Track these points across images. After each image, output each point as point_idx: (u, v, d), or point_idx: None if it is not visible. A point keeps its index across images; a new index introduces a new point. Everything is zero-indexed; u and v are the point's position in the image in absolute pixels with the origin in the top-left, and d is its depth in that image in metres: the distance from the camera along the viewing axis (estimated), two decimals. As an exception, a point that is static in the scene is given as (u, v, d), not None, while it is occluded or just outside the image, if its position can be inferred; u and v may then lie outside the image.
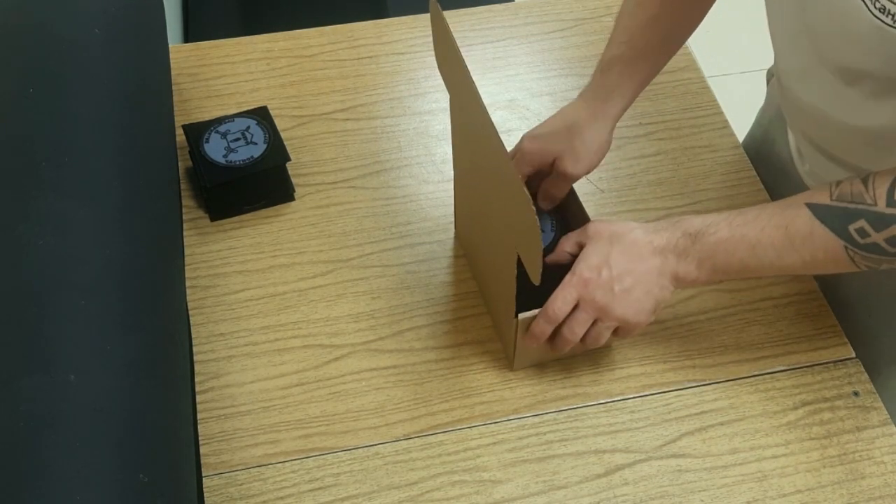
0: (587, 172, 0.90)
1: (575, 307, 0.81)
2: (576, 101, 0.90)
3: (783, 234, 0.75)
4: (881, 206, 0.70)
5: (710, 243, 0.78)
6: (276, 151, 1.01)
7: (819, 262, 0.76)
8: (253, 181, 1.00)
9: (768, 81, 1.07)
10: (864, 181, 0.71)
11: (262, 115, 1.04)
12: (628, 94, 0.88)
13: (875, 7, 0.64)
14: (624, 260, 0.80)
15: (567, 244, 0.85)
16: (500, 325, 0.91)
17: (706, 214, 0.80)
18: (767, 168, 1.06)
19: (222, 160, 0.99)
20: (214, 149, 1.00)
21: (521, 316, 0.82)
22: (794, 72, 0.83)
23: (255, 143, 1.01)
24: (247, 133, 1.02)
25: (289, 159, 1.01)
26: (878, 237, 0.70)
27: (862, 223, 0.71)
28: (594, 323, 0.82)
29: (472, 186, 0.91)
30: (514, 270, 0.79)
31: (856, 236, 0.71)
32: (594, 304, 0.80)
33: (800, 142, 0.94)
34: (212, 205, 1.02)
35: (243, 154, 1.00)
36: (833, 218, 0.72)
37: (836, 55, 0.74)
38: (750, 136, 1.12)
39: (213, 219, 1.02)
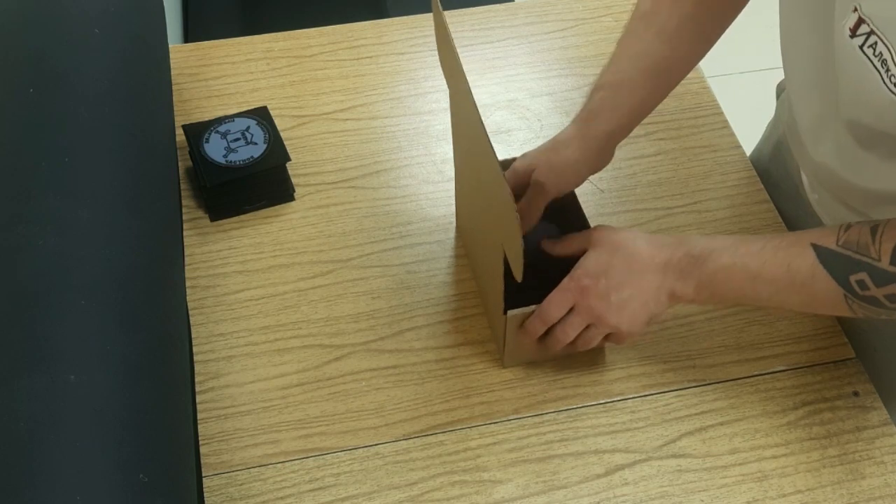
0: (563, 188, 0.88)
1: (570, 310, 0.82)
2: (567, 126, 0.89)
3: (785, 271, 0.74)
4: (884, 264, 0.69)
5: (711, 269, 0.77)
6: (276, 151, 1.01)
7: (817, 303, 0.76)
8: (253, 181, 1.00)
9: (778, 96, 1.06)
10: (873, 232, 0.70)
11: (262, 115, 1.04)
12: (612, 119, 0.86)
13: (891, 82, 0.63)
14: (623, 271, 0.80)
15: (570, 246, 0.85)
16: (492, 321, 0.91)
17: (712, 236, 0.80)
18: (777, 190, 1.04)
19: (222, 160, 0.99)
20: (214, 149, 1.00)
21: (511, 313, 0.83)
22: (808, 123, 0.82)
23: (255, 144, 1.01)
24: (247, 133, 1.02)
25: (289, 159, 1.01)
26: (877, 292, 0.70)
27: (864, 276, 0.70)
28: (587, 327, 0.82)
29: (467, 184, 0.92)
30: (501, 267, 0.79)
31: (856, 287, 0.71)
32: (589, 311, 0.81)
33: (811, 179, 0.93)
34: (212, 205, 1.02)
35: (243, 154, 1.00)
36: (836, 265, 0.71)
37: (852, 113, 0.73)
38: (758, 151, 1.10)
39: (213, 219, 1.02)
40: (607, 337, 0.84)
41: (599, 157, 0.88)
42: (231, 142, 1.01)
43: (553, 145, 0.88)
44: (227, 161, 0.99)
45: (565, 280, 0.82)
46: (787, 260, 0.74)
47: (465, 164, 0.90)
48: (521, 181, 0.88)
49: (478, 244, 0.92)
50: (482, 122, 0.72)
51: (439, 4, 0.76)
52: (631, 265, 0.80)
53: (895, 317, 0.73)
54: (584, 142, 0.86)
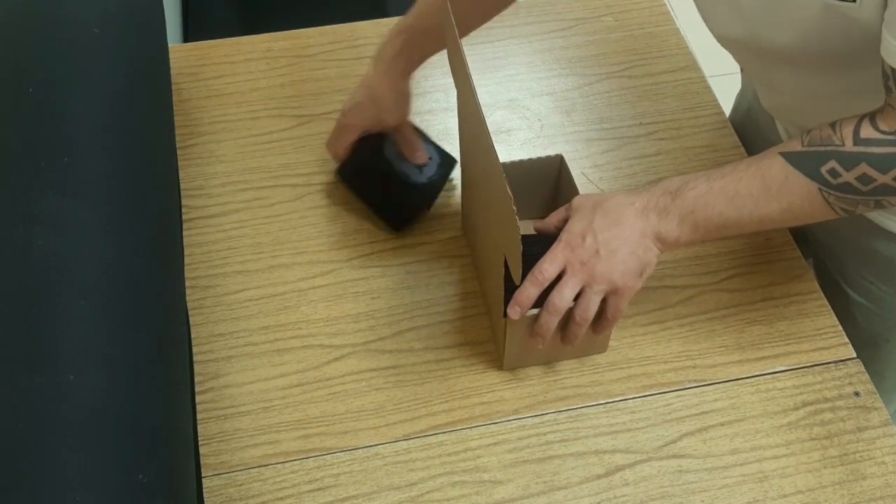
0: (394, 121, 0.98)
1: (563, 273, 0.81)
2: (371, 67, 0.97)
3: (760, 182, 0.76)
4: (849, 146, 0.72)
5: (690, 198, 0.79)
6: (446, 156, 1.02)
7: (796, 208, 0.77)
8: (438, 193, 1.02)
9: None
10: (832, 126, 0.74)
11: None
12: (413, 61, 0.96)
13: None
14: (607, 223, 0.80)
15: (554, 219, 0.86)
16: (494, 323, 0.91)
17: (685, 174, 0.81)
18: (754, 147, 1.07)
19: (423, 179, 1.00)
20: (408, 168, 1.00)
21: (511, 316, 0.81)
22: (757, 84, 0.87)
23: (431, 158, 1.02)
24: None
25: (456, 161, 1.02)
26: (848, 176, 0.73)
27: (833, 164, 0.73)
28: (582, 290, 0.81)
29: (471, 185, 0.92)
30: (502, 270, 0.79)
31: (828, 177, 0.73)
32: (582, 267, 0.80)
33: (786, 123, 0.96)
34: (404, 219, 1.01)
35: (431, 167, 1.01)
36: (805, 162, 0.74)
37: (763, 35, 0.78)
38: (731, 119, 1.14)
39: (397, 230, 1.01)
40: (607, 305, 0.81)
41: (407, 87, 0.98)
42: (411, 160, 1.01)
43: (371, 95, 0.97)
44: (428, 180, 1.00)
45: (553, 245, 0.81)
46: (761, 172, 0.77)
47: (469, 165, 0.91)
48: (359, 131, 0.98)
49: (481, 246, 0.92)
50: (486, 125, 0.72)
51: (447, 2, 0.76)
52: (613, 217, 0.81)
53: (871, 206, 0.75)
54: (393, 70, 0.96)
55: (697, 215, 0.78)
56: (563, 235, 0.82)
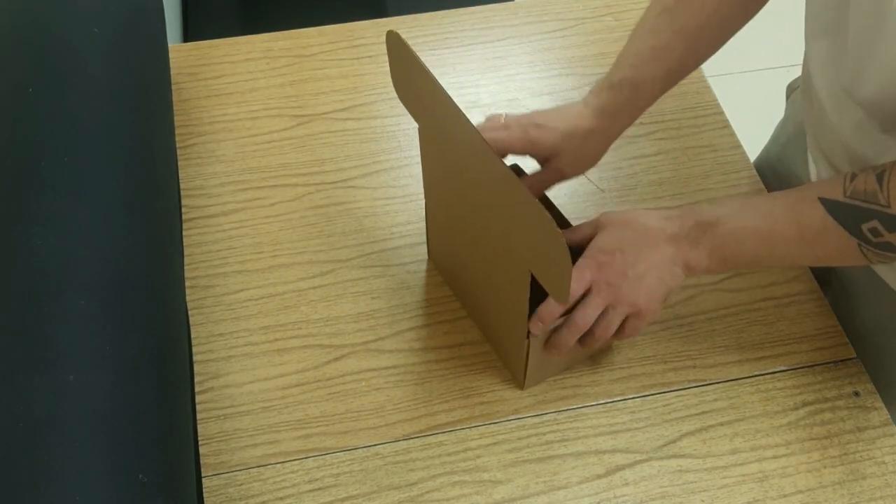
0: (577, 174, 0.89)
1: (587, 292, 0.80)
2: (582, 108, 0.87)
3: (795, 228, 0.74)
4: (895, 209, 0.69)
5: (721, 234, 0.77)
6: None
7: (832, 256, 0.76)
8: None
9: (788, 97, 1.06)
10: (879, 179, 0.70)
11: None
12: (634, 116, 0.87)
13: None
14: (637, 246, 0.80)
15: (578, 234, 0.84)
16: (502, 347, 0.89)
17: (719, 202, 0.80)
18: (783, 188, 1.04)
19: None
20: None
21: (533, 333, 0.80)
22: (827, 99, 0.81)
23: None
24: None
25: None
26: (891, 237, 0.70)
27: (875, 223, 0.70)
28: (605, 310, 0.80)
29: (456, 213, 0.86)
30: (526, 292, 0.76)
31: (869, 235, 0.71)
32: (608, 288, 0.79)
33: (821, 168, 0.91)
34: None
35: None
36: (846, 216, 0.72)
37: (873, 90, 0.72)
38: (766, 151, 1.11)
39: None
40: (625, 324, 0.81)
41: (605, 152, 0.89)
42: None
43: (574, 131, 0.86)
44: None
45: (580, 260, 0.80)
46: (797, 217, 0.74)
47: (453, 194, 0.84)
48: (533, 151, 0.86)
49: (475, 272, 0.88)
50: (491, 149, 0.68)
51: (399, 37, 0.74)
52: (643, 240, 0.80)
53: None
54: (606, 137, 0.87)
55: (727, 251, 0.78)
56: (590, 252, 0.81)
